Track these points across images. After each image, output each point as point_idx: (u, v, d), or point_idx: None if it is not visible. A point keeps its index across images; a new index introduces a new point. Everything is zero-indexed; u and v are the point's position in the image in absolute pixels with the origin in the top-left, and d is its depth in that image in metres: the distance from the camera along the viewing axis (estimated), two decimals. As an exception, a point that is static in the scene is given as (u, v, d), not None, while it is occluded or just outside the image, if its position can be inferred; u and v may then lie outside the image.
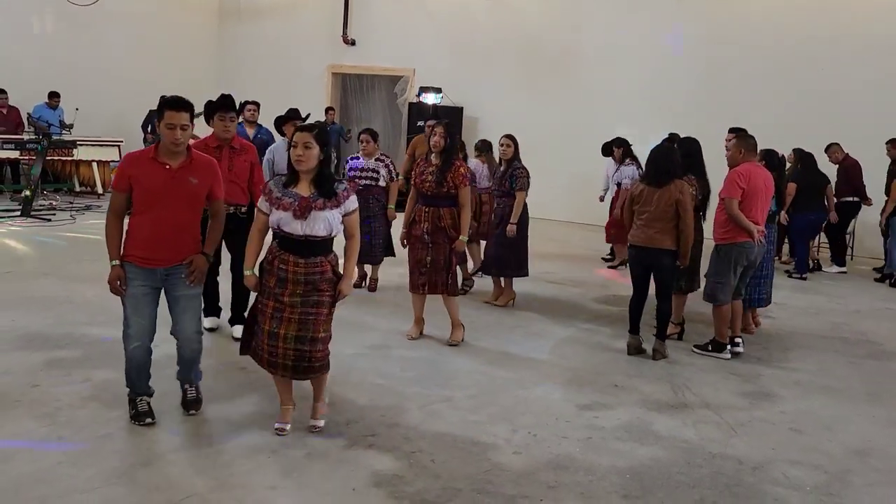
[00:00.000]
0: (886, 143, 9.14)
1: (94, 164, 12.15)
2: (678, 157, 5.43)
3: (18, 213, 9.83)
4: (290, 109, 6.52)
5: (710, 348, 5.56)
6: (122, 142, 12.51)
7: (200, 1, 15.09)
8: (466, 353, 5.27)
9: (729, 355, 5.49)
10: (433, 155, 5.31)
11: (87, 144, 11.90)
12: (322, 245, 3.61)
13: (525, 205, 6.49)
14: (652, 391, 4.72)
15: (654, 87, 11.87)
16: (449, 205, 5.26)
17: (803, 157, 8.85)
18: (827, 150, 9.39)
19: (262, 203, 3.66)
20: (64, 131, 11.71)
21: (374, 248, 6.76)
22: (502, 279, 6.70)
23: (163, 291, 3.74)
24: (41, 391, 4.12)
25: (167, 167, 3.57)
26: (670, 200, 5.19)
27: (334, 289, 3.65)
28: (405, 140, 13.62)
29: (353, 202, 3.68)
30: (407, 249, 5.42)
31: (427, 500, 3.20)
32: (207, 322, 5.20)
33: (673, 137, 8.04)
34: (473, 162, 7.60)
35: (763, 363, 5.47)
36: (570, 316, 6.50)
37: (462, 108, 13.16)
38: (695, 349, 5.62)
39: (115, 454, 3.45)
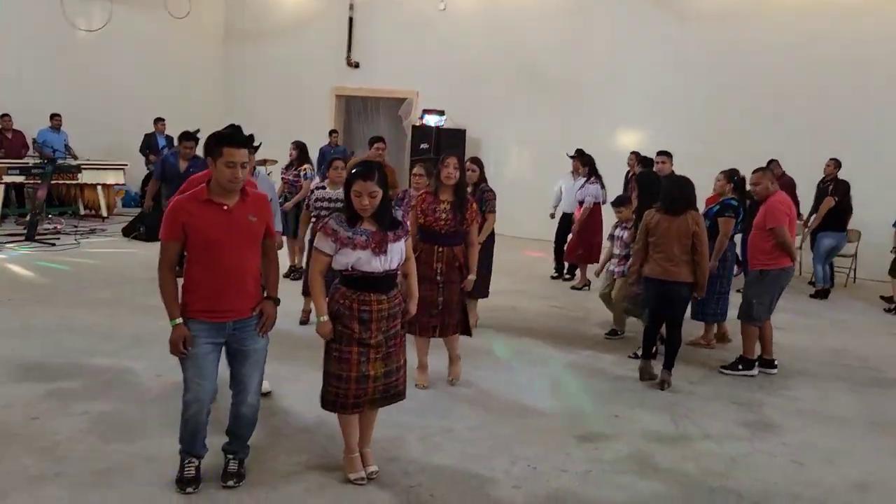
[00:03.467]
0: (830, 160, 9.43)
1: (99, 188, 12.22)
2: (692, 188, 5.48)
3: (23, 237, 9.87)
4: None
5: (740, 367, 5.73)
6: (126, 165, 12.60)
7: (206, 24, 15.22)
8: (466, 382, 5.24)
9: (757, 372, 5.73)
10: (440, 189, 4.98)
11: (91, 168, 11.96)
12: (395, 277, 3.60)
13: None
14: (652, 421, 4.71)
15: (654, 108, 11.94)
16: (461, 242, 5.01)
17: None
18: (769, 164, 9.45)
19: (324, 244, 3.45)
20: (68, 156, 11.78)
21: None
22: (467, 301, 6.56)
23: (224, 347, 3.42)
24: (39, 424, 4.12)
25: (225, 208, 3.29)
26: (687, 231, 5.25)
27: (402, 315, 3.66)
28: (408, 162, 13.68)
29: (409, 224, 3.68)
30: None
31: (424, 537, 3.19)
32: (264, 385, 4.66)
33: (641, 159, 8.14)
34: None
35: (765, 391, 5.45)
36: (571, 342, 6.49)
37: (465, 130, 13.23)
38: (723, 370, 5.74)
39: (112, 490, 3.44)
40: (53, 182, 11.20)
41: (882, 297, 8.94)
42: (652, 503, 3.63)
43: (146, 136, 12.59)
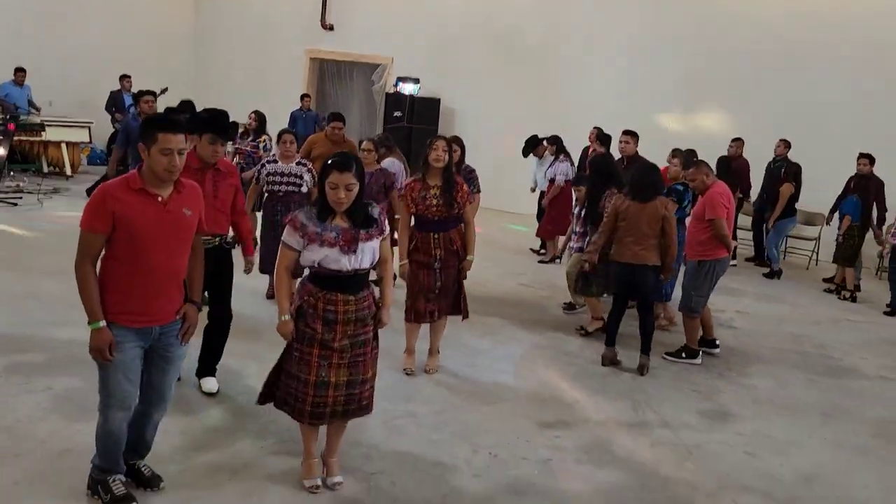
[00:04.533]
0: (780, 141, 9.74)
1: (64, 146, 11.94)
2: (659, 174, 5.60)
3: (-16, 196, 9.65)
4: (183, 102, 6.51)
5: (683, 355, 5.81)
6: (92, 123, 12.32)
7: (177, -22, 14.81)
8: (433, 363, 5.28)
9: (700, 360, 5.81)
10: (428, 174, 4.82)
11: (56, 125, 11.67)
12: (366, 277, 3.43)
13: None
14: (613, 409, 4.81)
15: (633, 79, 11.86)
16: (456, 225, 4.93)
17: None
18: (733, 142, 9.84)
19: (291, 238, 3.27)
20: (32, 111, 11.47)
21: None
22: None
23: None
24: None
25: (159, 199, 2.97)
26: (657, 217, 5.35)
27: (374, 321, 3.46)
28: (381, 130, 13.55)
29: (387, 224, 3.49)
30: (407, 278, 4.94)
31: (385, 527, 3.25)
32: (212, 384, 4.47)
33: (602, 136, 8.15)
34: (389, 160, 6.95)
35: (724, 379, 5.58)
36: (537, 322, 6.56)
37: (439, 100, 13.11)
38: (666, 356, 5.80)
39: (75, 473, 3.42)
40: (16, 139, 10.91)
41: (825, 280, 9.21)
42: (609, 493, 3.73)
43: (112, 93, 12.28)
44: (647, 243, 5.37)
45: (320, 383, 3.30)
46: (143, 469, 3.35)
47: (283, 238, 3.32)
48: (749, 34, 11.06)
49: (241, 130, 8.43)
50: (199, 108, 6.66)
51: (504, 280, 7.98)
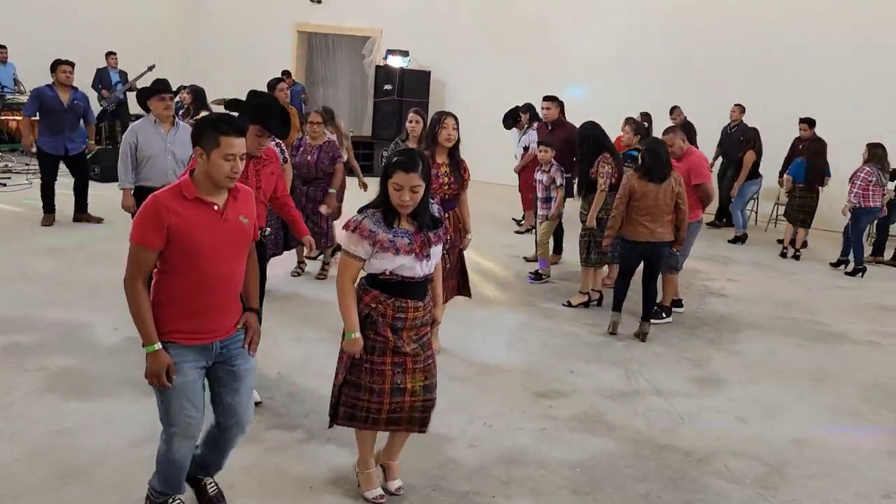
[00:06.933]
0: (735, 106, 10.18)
1: (51, 124, 11.77)
2: (667, 150, 5.62)
3: (-29, 176, 9.57)
4: (157, 80, 5.66)
5: (663, 315, 6.01)
6: (79, 101, 12.13)
7: (160, -48, 14.52)
8: (427, 336, 5.32)
9: (672, 318, 6.09)
10: (436, 152, 4.63)
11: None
12: (431, 280, 3.21)
13: None
14: (606, 377, 4.85)
15: (626, 52, 11.79)
16: (458, 204, 4.87)
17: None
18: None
19: (358, 247, 2.97)
20: (17, 90, 11.33)
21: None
22: None
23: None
24: (-5, 382, 4.10)
25: (215, 208, 2.73)
26: (672, 194, 5.41)
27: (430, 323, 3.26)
28: (371, 104, 13.48)
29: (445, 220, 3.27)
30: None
31: (382, 497, 3.29)
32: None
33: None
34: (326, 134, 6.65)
35: (714, 345, 5.63)
36: (531, 294, 6.59)
37: (429, 72, 13.02)
38: (653, 322, 5.81)
39: (71, 451, 3.46)
40: (2, 118, 10.80)
41: (779, 241, 9.33)
42: (602, 461, 3.77)
43: (98, 70, 12.13)
44: (664, 220, 5.43)
45: (395, 390, 3.09)
46: (209, 486, 3.12)
47: (346, 247, 3.02)
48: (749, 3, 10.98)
49: (181, 109, 7.97)
50: (175, 85, 6.39)
51: (494, 251, 8.00)
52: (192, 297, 2.71)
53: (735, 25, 11.03)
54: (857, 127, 9.36)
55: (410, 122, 5.38)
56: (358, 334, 3.00)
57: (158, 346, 2.67)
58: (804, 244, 9.02)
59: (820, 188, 8.87)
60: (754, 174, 9.62)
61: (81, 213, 8.02)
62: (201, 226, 2.68)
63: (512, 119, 9.38)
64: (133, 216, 5.52)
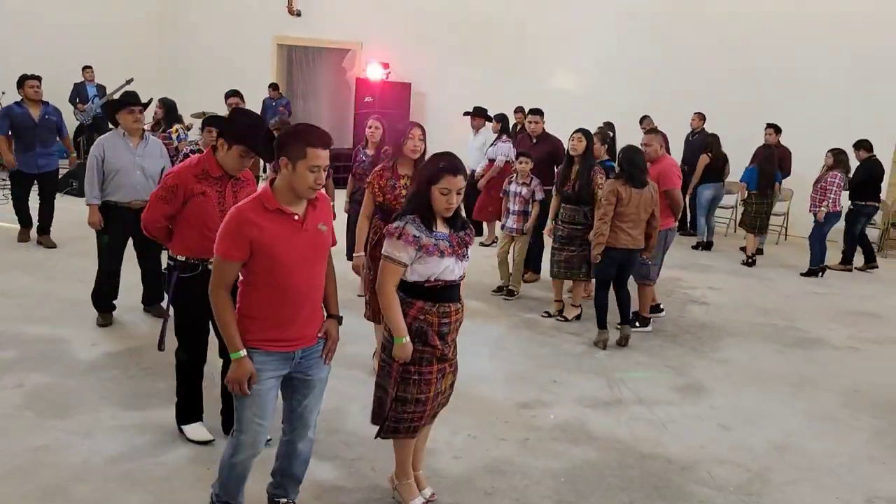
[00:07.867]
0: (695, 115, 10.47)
1: (27, 139, 11.64)
2: (643, 155, 5.69)
3: (-54, 192, 9.43)
4: (126, 93, 5.52)
5: (637, 325, 6.01)
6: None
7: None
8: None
9: (651, 327, 6.10)
10: (399, 163, 4.53)
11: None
12: None
13: None
14: (589, 387, 4.87)
15: (608, 64, 11.89)
16: None
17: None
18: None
19: (402, 253, 2.97)
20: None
21: None
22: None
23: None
24: (-28, 400, 4.04)
25: (296, 218, 2.76)
26: (652, 201, 5.48)
27: None
28: (353, 116, 13.48)
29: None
30: (364, 273, 4.67)
31: (366, 511, 3.27)
32: (198, 432, 3.80)
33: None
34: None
35: (696, 353, 5.67)
36: (512, 304, 6.61)
37: (410, 84, 13.06)
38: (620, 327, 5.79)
39: (50, 469, 3.41)
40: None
41: (742, 249, 9.38)
42: (586, 470, 3.78)
43: (75, 85, 12.06)
44: (641, 227, 5.50)
45: (436, 394, 3.18)
46: None
47: (389, 253, 3.00)
48: (728, 11, 11.08)
49: (151, 122, 7.77)
50: (153, 97, 6.20)
51: (474, 262, 7.99)
52: (277, 308, 2.76)
53: (713, 36, 11.15)
54: (835, 135, 9.39)
55: (370, 128, 5.44)
56: (408, 339, 3.02)
57: (243, 353, 2.72)
58: (759, 251, 9.19)
59: (770, 192, 9.01)
60: (712, 178, 9.73)
61: (42, 234, 7.69)
62: (283, 237, 2.72)
63: (473, 115, 9.25)
64: (98, 234, 5.30)
